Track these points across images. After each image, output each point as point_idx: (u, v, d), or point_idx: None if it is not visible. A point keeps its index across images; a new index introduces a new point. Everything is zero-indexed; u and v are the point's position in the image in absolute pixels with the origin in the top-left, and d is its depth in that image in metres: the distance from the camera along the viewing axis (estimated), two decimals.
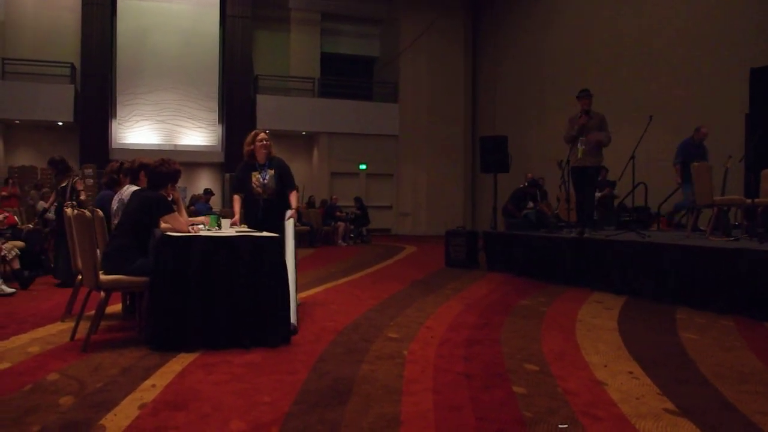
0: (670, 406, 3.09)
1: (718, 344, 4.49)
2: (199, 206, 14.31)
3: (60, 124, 18.09)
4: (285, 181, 5.80)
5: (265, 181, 5.72)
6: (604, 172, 11.38)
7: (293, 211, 5.68)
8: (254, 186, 5.71)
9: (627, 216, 10.80)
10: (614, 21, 14.88)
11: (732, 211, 8.60)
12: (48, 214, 8.72)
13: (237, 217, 5.61)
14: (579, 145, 8.08)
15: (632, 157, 8.09)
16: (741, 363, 3.94)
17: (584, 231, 8.03)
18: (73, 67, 18.22)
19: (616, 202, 11.70)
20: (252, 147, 5.74)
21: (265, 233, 4.65)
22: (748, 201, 7.38)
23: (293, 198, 5.79)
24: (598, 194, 11.48)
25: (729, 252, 5.86)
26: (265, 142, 5.75)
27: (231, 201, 6.11)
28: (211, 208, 14.69)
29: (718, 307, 5.76)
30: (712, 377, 3.60)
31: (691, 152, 8.92)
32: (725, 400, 3.18)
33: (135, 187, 5.47)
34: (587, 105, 8.19)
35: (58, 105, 17.54)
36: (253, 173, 5.74)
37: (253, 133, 5.84)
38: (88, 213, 4.55)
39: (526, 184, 11.68)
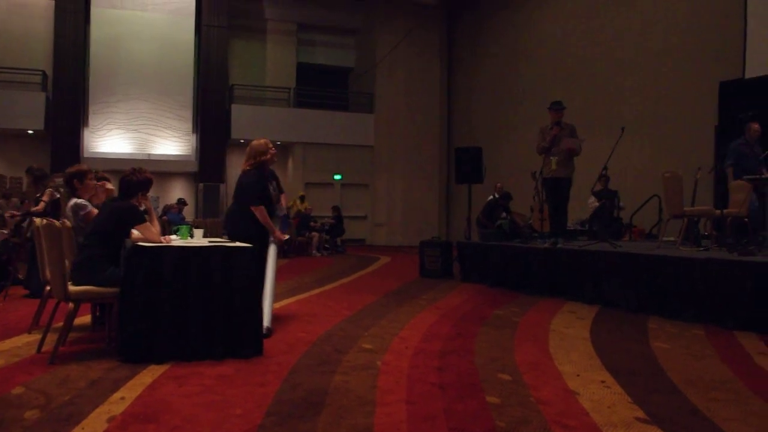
0: (641, 414, 3.11)
1: (689, 353, 4.54)
2: (171, 216, 14.18)
3: (30, 132, 17.81)
4: (280, 189, 5.89)
5: (274, 192, 5.72)
6: (605, 180, 11.22)
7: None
8: (272, 197, 5.66)
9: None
10: (588, 34, 15.08)
11: (702, 221, 8.73)
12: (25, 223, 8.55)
13: (278, 232, 5.56)
14: (552, 156, 8.16)
15: (605, 168, 8.18)
16: (711, 371, 3.99)
17: (557, 242, 8.10)
18: (44, 74, 17.98)
19: (620, 214, 11.56)
20: (266, 157, 5.58)
21: (238, 243, 4.61)
22: (718, 212, 7.49)
23: (283, 199, 5.94)
24: (596, 204, 11.42)
25: (699, 262, 5.94)
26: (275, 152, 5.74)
27: (248, 213, 5.47)
28: (184, 219, 14.56)
29: (689, 316, 5.84)
30: (683, 385, 3.64)
31: (745, 153, 7.86)
32: (695, 408, 3.22)
33: (76, 200, 5.38)
34: (559, 117, 8.29)
35: (28, 113, 17.25)
36: (268, 184, 5.65)
37: (265, 141, 5.67)
38: (57, 223, 4.48)
39: (496, 195, 11.74)
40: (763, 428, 2.92)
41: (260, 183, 5.55)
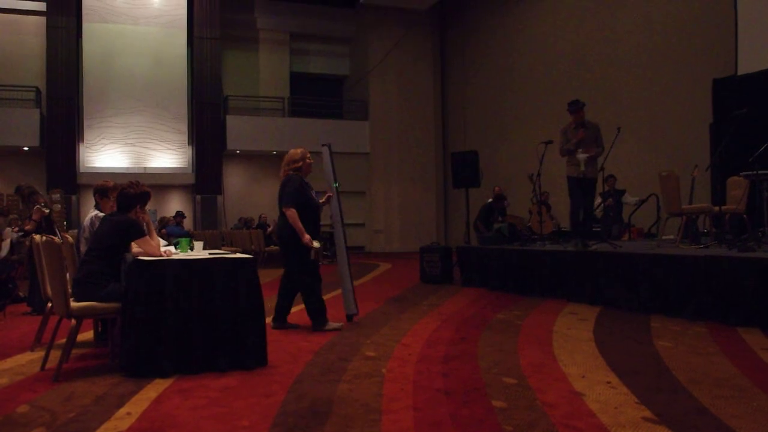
0: (647, 414, 3.11)
1: (692, 351, 4.54)
2: (170, 229, 14.14)
3: (26, 149, 17.80)
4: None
5: (320, 200, 5.99)
6: (612, 180, 11.01)
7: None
8: (317, 204, 5.90)
9: (597, 227, 10.89)
10: (580, 36, 15.13)
11: (700, 218, 8.75)
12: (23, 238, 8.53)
13: (307, 236, 5.65)
14: (579, 154, 7.71)
15: (601, 169, 8.18)
16: (715, 368, 3.99)
17: (587, 243, 7.76)
18: (38, 90, 17.97)
19: (629, 210, 11.40)
20: (299, 164, 5.81)
21: (238, 255, 4.61)
22: (716, 209, 7.51)
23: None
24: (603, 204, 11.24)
25: (699, 259, 5.95)
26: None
27: (283, 216, 5.77)
28: (184, 230, 14.53)
29: (691, 313, 5.85)
30: (688, 383, 3.64)
31: None
32: (701, 406, 3.21)
33: (98, 212, 5.38)
34: (581, 117, 7.86)
35: (23, 130, 17.25)
36: (310, 191, 5.84)
37: (302, 150, 5.92)
38: (57, 239, 4.47)
39: (493, 198, 11.71)
40: None
41: (300, 188, 5.71)
